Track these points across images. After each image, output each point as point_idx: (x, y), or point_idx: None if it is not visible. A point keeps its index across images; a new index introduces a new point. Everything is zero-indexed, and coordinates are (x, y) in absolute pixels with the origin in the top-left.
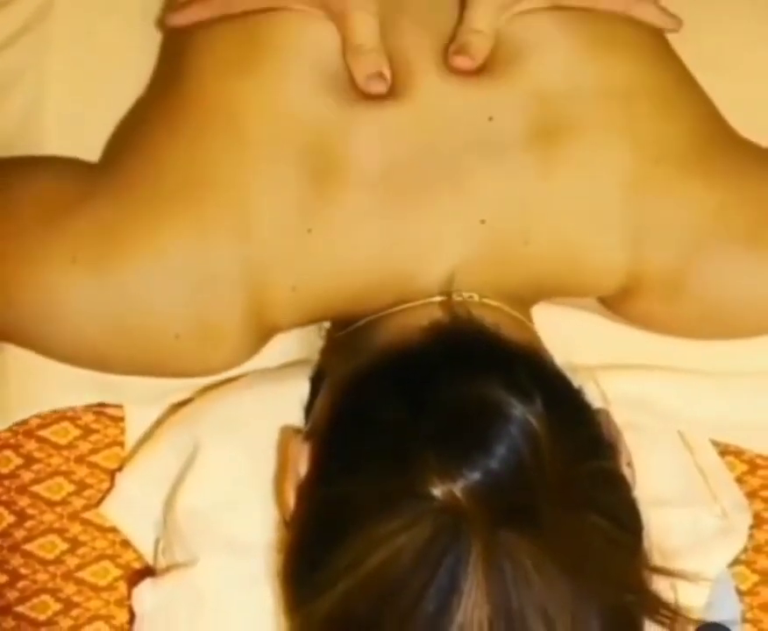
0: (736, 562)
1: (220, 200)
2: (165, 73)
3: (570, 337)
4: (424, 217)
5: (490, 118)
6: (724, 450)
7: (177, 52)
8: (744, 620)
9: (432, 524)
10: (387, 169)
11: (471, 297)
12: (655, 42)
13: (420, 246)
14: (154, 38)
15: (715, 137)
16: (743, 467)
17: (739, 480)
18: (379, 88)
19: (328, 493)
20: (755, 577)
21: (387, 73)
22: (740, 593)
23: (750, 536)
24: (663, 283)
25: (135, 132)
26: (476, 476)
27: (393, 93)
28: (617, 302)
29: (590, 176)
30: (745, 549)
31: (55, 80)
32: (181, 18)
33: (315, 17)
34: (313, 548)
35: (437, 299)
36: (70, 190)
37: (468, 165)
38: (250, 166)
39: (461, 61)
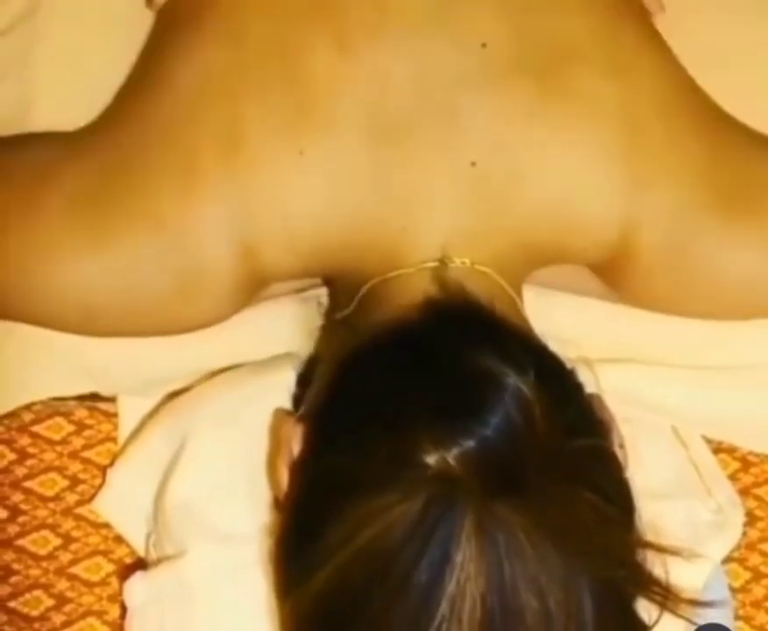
0: (728, 559)
1: (211, 136)
2: (159, 30)
3: (564, 329)
4: (413, 156)
5: (483, 45)
6: (717, 448)
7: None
8: (737, 617)
9: (426, 494)
10: (376, 104)
11: (463, 263)
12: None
13: (409, 187)
14: (142, 29)
15: (699, 100)
16: (736, 465)
17: (732, 478)
18: None
19: (322, 468)
20: (747, 575)
21: None
22: (732, 590)
23: (743, 534)
24: (657, 247)
25: (127, 91)
26: (470, 443)
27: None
28: (610, 270)
29: (587, 107)
30: (738, 547)
31: (44, 71)
32: None
33: None
34: (306, 525)
35: (430, 265)
36: (65, 147)
37: (460, 101)
38: (243, 97)
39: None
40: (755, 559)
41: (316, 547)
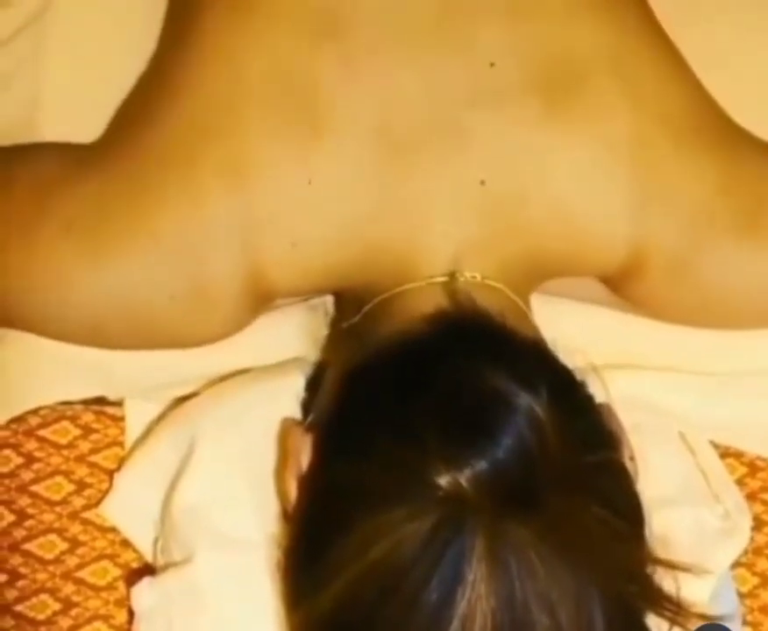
0: (736, 564)
1: (214, 153)
2: (161, 50)
3: (571, 337)
4: (419, 171)
5: (492, 64)
6: (724, 453)
7: (175, 30)
8: (745, 623)
9: (437, 513)
10: (383, 122)
11: (474, 277)
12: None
13: (416, 202)
14: (149, 34)
15: (710, 113)
16: (743, 469)
17: (739, 482)
18: None
19: (332, 482)
20: (755, 580)
21: None
22: (740, 596)
23: (750, 539)
24: (666, 262)
25: (128, 110)
26: (482, 465)
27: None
28: (618, 282)
29: (595, 124)
30: (745, 552)
31: (51, 74)
32: None
33: None
34: (316, 538)
35: (440, 279)
36: (66, 164)
37: (468, 119)
38: (247, 114)
39: None
40: (762, 564)
41: (326, 560)
